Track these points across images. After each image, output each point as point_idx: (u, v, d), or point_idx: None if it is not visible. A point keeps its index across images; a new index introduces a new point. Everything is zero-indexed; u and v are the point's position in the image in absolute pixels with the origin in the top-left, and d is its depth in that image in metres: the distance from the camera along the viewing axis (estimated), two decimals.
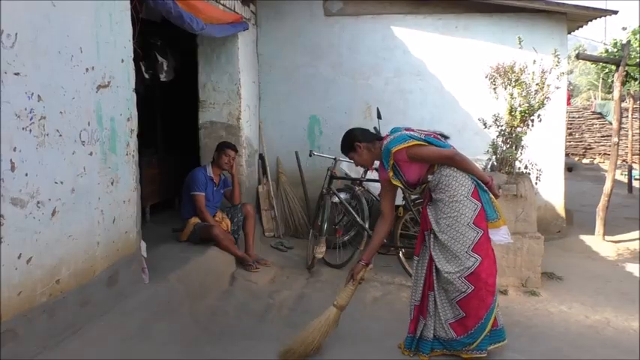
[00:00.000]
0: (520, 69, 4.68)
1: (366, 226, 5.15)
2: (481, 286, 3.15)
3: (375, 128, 6.05)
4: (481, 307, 3.17)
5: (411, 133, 3.30)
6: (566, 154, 8.87)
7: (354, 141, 3.47)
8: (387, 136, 3.39)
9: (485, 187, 3.22)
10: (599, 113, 16.45)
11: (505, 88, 4.73)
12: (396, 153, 3.23)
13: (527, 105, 4.62)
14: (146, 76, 5.97)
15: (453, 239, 3.18)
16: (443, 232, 3.21)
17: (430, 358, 3.30)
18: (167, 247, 4.77)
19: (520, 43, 4.85)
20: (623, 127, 11.87)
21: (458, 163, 3.21)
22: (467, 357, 3.25)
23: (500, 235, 3.24)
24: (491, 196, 3.24)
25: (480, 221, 3.17)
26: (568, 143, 15.10)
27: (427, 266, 3.35)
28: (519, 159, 4.75)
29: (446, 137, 3.44)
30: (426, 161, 3.28)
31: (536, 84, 4.65)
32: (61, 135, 2.75)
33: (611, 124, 13.05)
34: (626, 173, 11.22)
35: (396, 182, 3.35)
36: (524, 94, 4.65)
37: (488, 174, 3.38)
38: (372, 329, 3.85)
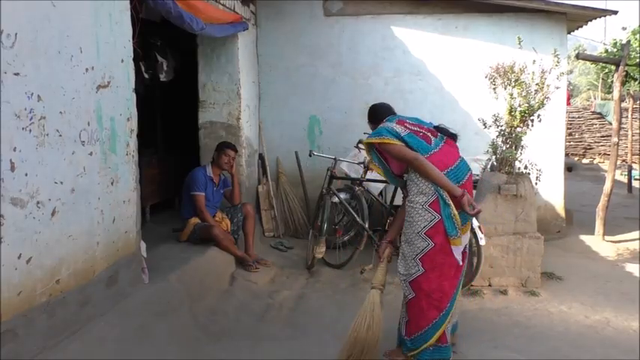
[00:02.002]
0: (520, 69, 4.67)
1: (366, 226, 5.15)
2: (422, 296, 3.12)
3: None
4: (422, 318, 3.15)
5: (391, 127, 3.22)
6: (566, 154, 8.87)
7: (372, 115, 3.61)
8: (384, 122, 3.39)
9: (449, 201, 3.06)
10: (599, 113, 16.44)
11: (505, 88, 4.73)
12: (368, 145, 3.29)
13: (527, 105, 4.62)
14: (146, 76, 5.97)
15: (406, 242, 3.18)
16: (403, 232, 3.23)
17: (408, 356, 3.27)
18: (167, 247, 4.77)
19: (520, 43, 4.85)
20: (623, 127, 11.86)
21: (416, 167, 3.11)
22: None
23: (456, 254, 3.13)
24: (455, 212, 3.07)
25: (435, 234, 3.07)
26: (568, 143, 15.10)
27: None
28: (519, 159, 4.74)
29: (451, 135, 3.33)
30: (396, 159, 3.25)
31: (536, 84, 4.64)
32: (60, 135, 2.75)
33: (610, 124, 13.06)
34: (626, 173, 11.22)
35: (375, 167, 3.41)
36: (523, 94, 4.64)
37: (459, 188, 3.15)
38: None
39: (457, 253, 3.14)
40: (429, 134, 3.26)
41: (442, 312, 3.14)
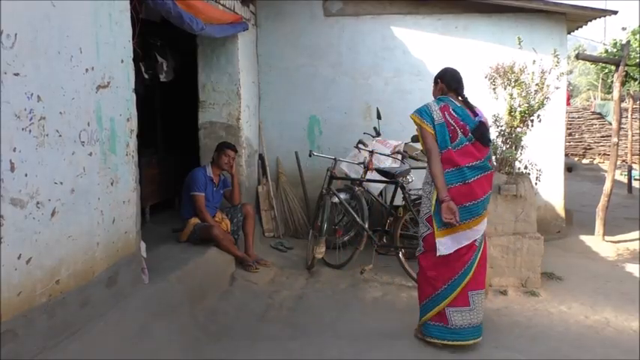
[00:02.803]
0: (520, 69, 4.68)
1: (366, 226, 5.15)
2: (420, 272, 3.61)
3: (375, 128, 6.12)
4: (421, 292, 3.61)
5: (433, 111, 3.49)
6: (566, 155, 8.86)
7: (440, 77, 3.72)
8: (449, 90, 3.64)
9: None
10: (599, 113, 16.44)
11: (505, 89, 4.73)
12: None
13: (526, 105, 4.62)
14: (146, 76, 5.96)
15: (420, 220, 3.66)
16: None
17: None
18: (167, 247, 4.77)
19: (520, 44, 4.85)
20: (623, 128, 11.86)
21: (427, 157, 3.50)
22: (416, 330, 3.67)
23: (438, 245, 3.42)
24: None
25: (433, 221, 3.46)
26: (568, 143, 15.09)
27: None
28: (519, 159, 4.75)
29: (483, 140, 3.48)
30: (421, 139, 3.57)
31: (536, 84, 4.65)
32: (60, 135, 2.75)
33: (610, 124, 13.07)
34: (626, 173, 11.22)
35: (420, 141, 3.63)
36: (523, 94, 4.65)
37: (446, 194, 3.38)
38: (371, 329, 3.85)
39: (440, 244, 3.40)
40: (459, 131, 3.44)
41: (437, 291, 3.47)
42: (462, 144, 3.41)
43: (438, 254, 3.40)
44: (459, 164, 3.37)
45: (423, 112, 3.51)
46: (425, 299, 3.55)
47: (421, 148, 5.26)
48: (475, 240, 3.45)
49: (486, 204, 3.51)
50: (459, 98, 3.62)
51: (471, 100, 6.38)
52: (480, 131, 3.48)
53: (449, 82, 3.65)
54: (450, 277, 3.43)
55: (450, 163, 3.39)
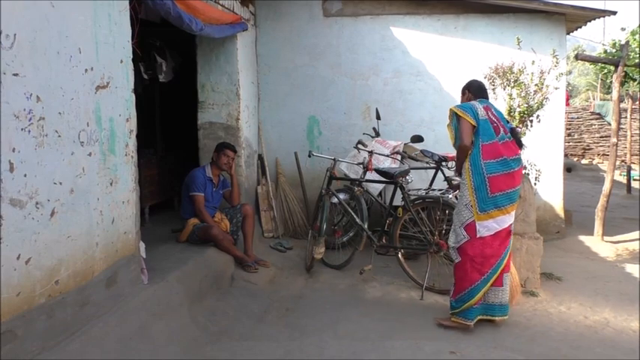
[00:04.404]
0: (519, 70, 4.68)
1: (365, 226, 5.15)
2: (464, 261, 3.80)
3: (374, 129, 6.12)
4: (465, 280, 3.79)
5: (476, 108, 3.83)
6: (565, 155, 8.87)
7: (468, 88, 4.13)
8: (476, 98, 4.02)
9: (484, 184, 3.76)
10: (598, 114, 16.46)
11: (504, 89, 4.74)
12: (452, 114, 3.89)
13: (526, 105, 4.63)
14: (145, 76, 5.97)
15: (456, 213, 3.89)
16: (456, 205, 3.97)
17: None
18: (166, 247, 4.77)
19: (519, 44, 4.85)
20: (622, 128, 11.89)
21: (458, 146, 3.85)
22: (454, 320, 3.84)
23: (479, 227, 3.78)
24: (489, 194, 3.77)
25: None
26: (567, 144, 15.12)
27: None
28: None
29: (517, 141, 3.93)
30: (459, 130, 3.83)
31: (535, 84, 4.65)
32: (60, 136, 2.75)
33: (609, 124, 13.08)
34: (625, 174, 11.23)
35: (449, 130, 3.96)
36: (523, 94, 4.65)
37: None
38: (371, 330, 3.85)
39: (481, 226, 3.75)
40: (501, 128, 3.85)
41: (484, 276, 3.78)
42: (504, 139, 3.84)
43: (478, 235, 3.75)
44: (505, 155, 3.78)
45: (466, 108, 3.84)
46: (469, 286, 3.79)
47: (418, 149, 5.40)
48: (510, 224, 3.87)
49: (519, 192, 3.96)
50: None
51: None
52: (515, 133, 3.96)
53: (475, 93, 4.07)
54: (494, 262, 3.80)
55: (496, 152, 3.77)
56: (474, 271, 3.78)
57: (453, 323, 3.84)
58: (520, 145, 3.94)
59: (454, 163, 5.54)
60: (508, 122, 4.02)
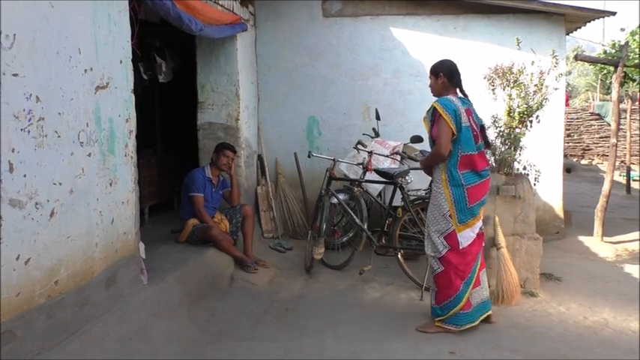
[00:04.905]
0: (518, 70, 4.68)
1: (365, 227, 5.15)
2: (447, 269, 3.70)
3: (374, 129, 6.11)
4: (447, 289, 3.72)
5: (460, 112, 3.60)
6: (565, 155, 8.88)
7: (442, 70, 3.77)
8: (456, 94, 3.76)
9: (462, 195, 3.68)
10: (598, 114, 16.46)
11: (504, 89, 4.73)
12: (434, 111, 3.65)
13: (525, 106, 4.63)
14: (145, 77, 5.97)
15: (432, 223, 3.75)
16: (428, 213, 3.82)
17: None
18: (166, 248, 4.77)
19: (518, 44, 4.85)
20: (622, 128, 11.90)
21: (432, 152, 3.70)
22: (438, 325, 3.77)
23: (460, 238, 3.71)
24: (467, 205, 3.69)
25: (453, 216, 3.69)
26: (566, 144, 15.12)
27: None
28: (518, 160, 4.75)
29: (488, 144, 3.92)
30: (436, 132, 3.64)
31: (535, 85, 4.65)
32: (59, 136, 2.75)
33: (609, 125, 13.08)
34: (625, 174, 11.24)
35: (425, 123, 3.78)
36: (522, 95, 4.65)
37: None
38: (371, 330, 3.85)
39: (462, 238, 3.69)
40: (479, 136, 3.74)
41: (465, 280, 3.73)
42: (480, 149, 3.74)
43: (460, 247, 3.69)
44: (480, 166, 3.69)
45: (450, 109, 3.59)
46: (454, 294, 3.71)
47: (418, 149, 5.38)
48: (481, 227, 3.88)
49: None
50: (460, 93, 3.80)
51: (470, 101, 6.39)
52: (484, 130, 3.84)
53: (451, 76, 3.76)
54: (472, 265, 3.77)
55: (472, 163, 3.66)
56: (457, 278, 3.72)
57: (438, 329, 3.77)
58: (488, 145, 3.87)
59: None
60: (480, 119, 3.86)
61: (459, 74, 3.80)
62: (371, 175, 5.31)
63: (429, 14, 6.39)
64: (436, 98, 3.76)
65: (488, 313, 3.89)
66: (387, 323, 3.98)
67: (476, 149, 3.67)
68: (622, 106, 11.18)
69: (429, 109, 3.71)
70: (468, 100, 3.82)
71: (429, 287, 4.60)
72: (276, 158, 6.66)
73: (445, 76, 3.74)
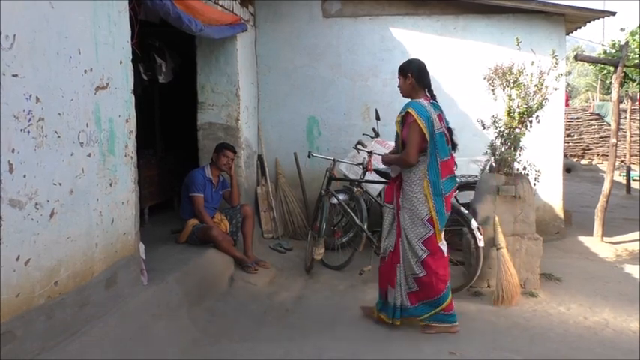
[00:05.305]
0: (518, 70, 4.68)
1: (365, 227, 5.15)
2: (431, 273, 3.66)
3: (374, 129, 6.11)
4: (431, 291, 3.69)
5: (433, 119, 3.57)
6: (565, 156, 8.88)
7: (410, 70, 3.72)
8: (429, 99, 3.74)
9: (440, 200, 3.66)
10: (598, 114, 16.46)
11: (503, 90, 4.73)
12: (407, 115, 3.60)
13: (525, 106, 4.62)
14: (145, 77, 5.97)
15: (410, 227, 3.68)
16: (405, 218, 3.71)
17: (400, 321, 3.80)
18: (166, 248, 4.77)
19: (518, 45, 4.85)
20: (622, 129, 11.90)
21: (402, 156, 3.65)
22: (422, 324, 3.78)
23: (443, 245, 3.76)
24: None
25: (434, 221, 3.65)
26: (566, 144, 15.11)
27: (396, 239, 3.80)
28: (518, 160, 4.74)
29: (454, 144, 3.81)
30: (405, 137, 3.63)
31: (535, 85, 4.65)
32: (59, 136, 2.75)
33: (609, 125, 13.07)
34: (625, 174, 11.23)
35: (396, 127, 3.77)
36: (522, 95, 4.64)
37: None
38: (370, 330, 3.85)
39: (443, 245, 3.73)
40: (450, 141, 3.72)
41: (447, 284, 3.74)
42: (451, 153, 3.75)
43: (446, 254, 3.75)
44: (453, 171, 3.75)
45: (425, 116, 3.56)
46: (436, 296, 3.70)
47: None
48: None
49: None
50: (428, 94, 3.78)
51: (470, 101, 6.41)
52: (451, 132, 3.79)
53: (419, 77, 3.72)
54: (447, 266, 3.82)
55: (449, 170, 3.68)
56: (440, 282, 3.70)
57: (439, 329, 3.75)
58: (454, 146, 3.80)
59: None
60: (448, 122, 3.81)
61: (428, 75, 3.76)
62: (371, 176, 5.31)
63: (428, 14, 6.39)
64: (408, 100, 3.76)
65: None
66: (387, 323, 3.98)
67: (449, 154, 3.69)
68: (622, 106, 11.18)
69: (401, 112, 3.69)
70: (438, 104, 3.79)
71: None
72: (276, 158, 6.66)
73: (413, 76, 3.70)
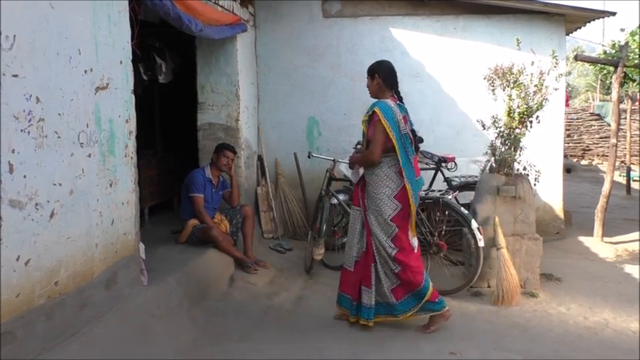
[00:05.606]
0: (518, 70, 4.68)
1: None
2: (405, 267, 3.70)
3: None
4: (412, 283, 3.72)
5: (398, 120, 3.65)
6: (565, 156, 8.88)
7: (377, 72, 3.80)
8: (395, 100, 3.80)
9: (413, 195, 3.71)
10: (598, 115, 16.47)
11: (504, 90, 4.73)
12: (373, 114, 3.66)
13: (525, 106, 4.62)
14: (145, 77, 5.97)
15: (379, 227, 3.73)
16: (373, 218, 3.76)
17: (373, 322, 3.80)
18: (166, 248, 4.77)
19: (518, 45, 4.85)
20: (622, 129, 11.89)
21: (367, 155, 3.73)
22: (410, 318, 3.78)
23: (415, 241, 3.85)
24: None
25: (398, 219, 3.69)
26: (566, 145, 15.10)
27: (367, 239, 3.83)
28: (518, 160, 4.74)
29: (417, 146, 3.90)
30: (371, 136, 3.68)
31: (535, 85, 4.65)
32: (59, 137, 2.74)
33: (609, 125, 13.08)
34: (625, 174, 11.23)
35: (363, 126, 3.82)
36: (522, 95, 4.64)
37: None
38: (370, 330, 3.84)
39: (415, 241, 3.81)
40: (413, 141, 3.78)
41: (424, 274, 3.77)
42: (415, 155, 3.82)
43: (415, 250, 3.81)
44: (419, 173, 3.82)
45: (391, 119, 3.63)
46: (417, 288, 3.73)
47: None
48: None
49: None
50: (395, 96, 3.84)
51: (470, 102, 6.40)
52: (415, 134, 3.87)
53: (386, 78, 3.80)
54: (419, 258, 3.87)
55: (417, 170, 3.78)
56: (416, 274, 3.73)
57: (437, 323, 3.78)
58: (417, 148, 3.91)
59: (453, 164, 5.58)
60: (412, 123, 3.91)
61: (395, 76, 3.84)
62: None
63: (428, 14, 6.39)
64: (374, 100, 3.81)
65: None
66: (387, 323, 3.97)
67: (413, 154, 3.76)
68: (622, 106, 11.17)
69: (368, 112, 3.74)
70: (404, 105, 3.87)
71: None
72: (276, 159, 6.66)
73: (380, 77, 3.78)
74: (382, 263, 3.78)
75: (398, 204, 3.69)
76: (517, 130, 4.67)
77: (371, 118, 3.70)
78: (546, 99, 4.66)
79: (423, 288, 3.73)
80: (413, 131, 3.84)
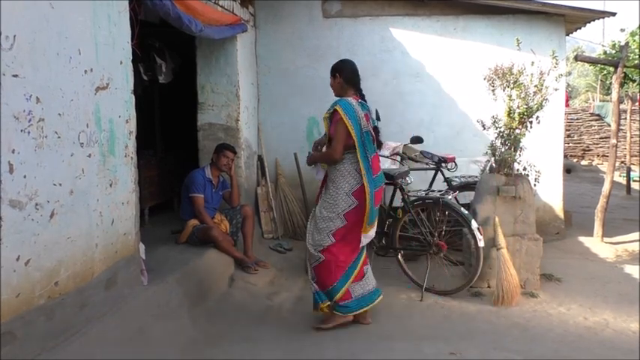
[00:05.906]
0: (518, 71, 4.68)
1: None
2: (328, 261, 3.75)
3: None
4: (327, 279, 3.78)
5: (359, 117, 3.67)
6: (565, 156, 8.87)
7: (338, 71, 3.87)
8: (357, 98, 3.85)
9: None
10: (598, 115, 16.47)
11: (504, 90, 4.73)
12: (335, 112, 3.71)
13: (525, 106, 4.62)
14: (145, 77, 5.97)
15: (324, 220, 3.77)
16: (320, 210, 3.82)
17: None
18: (166, 248, 4.77)
19: (518, 45, 4.85)
20: (622, 129, 11.88)
21: (328, 153, 3.81)
22: (326, 310, 3.84)
23: (366, 238, 3.86)
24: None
25: (351, 216, 3.73)
26: (566, 145, 15.10)
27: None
28: (518, 161, 4.74)
29: (379, 142, 4.01)
30: (332, 134, 3.73)
31: (535, 86, 4.65)
32: (59, 137, 2.75)
33: (609, 125, 13.09)
34: (625, 175, 11.23)
35: (324, 123, 3.88)
36: (522, 95, 4.64)
37: None
38: (370, 331, 3.85)
39: (366, 237, 3.84)
40: (374, 139, 3.86)
41: (345, 271, 3.80)
42: (376, 152, 3.88)
43: (361, 245, 3.85)
44: (379, 170, 3.86)
45: (353, 116, 3.66)
46: (334, 282, 3.78)
47: (418, 150, 5.39)
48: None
49: None
50: (357, 94, 3.87)
51: (470, 102, 6.39)
52: (377, 131, 3.95)
53: (348, 77, 3.85)
54: (353, 258, 3.85)
55: (376, 167, 3.81)
56: (338, 269, 3.77)
57: (334, 321, 3.83)
58: (379, 145, 3.98)
59: (453, 164, 5.58)
60: (374, 120, 3.97)
61: (357, 75, 3.89)
62: None
63: (428, 15, 6.39)
64: (337, 98, 3.84)
65: (365, 309, 3.91)
66: (387, 324, 3.98)
67: (374, 152, 3.82)
68: (622, 106, 11.17)
69: (330, 109, 3.79)
70: (366, 104, 3.91)
71: (429, 288, 4.61)
72: (276, 159, 6.66)
73: (341, 76, 3.84)
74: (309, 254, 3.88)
75: (355, 200, 3.72)
76: (517, 131, 4.67)
77: (332, 116, 3.74)
78: (546, 99, 4.66)
79: (335, 287, 3.78)
80: (375, 128, 3.91)
